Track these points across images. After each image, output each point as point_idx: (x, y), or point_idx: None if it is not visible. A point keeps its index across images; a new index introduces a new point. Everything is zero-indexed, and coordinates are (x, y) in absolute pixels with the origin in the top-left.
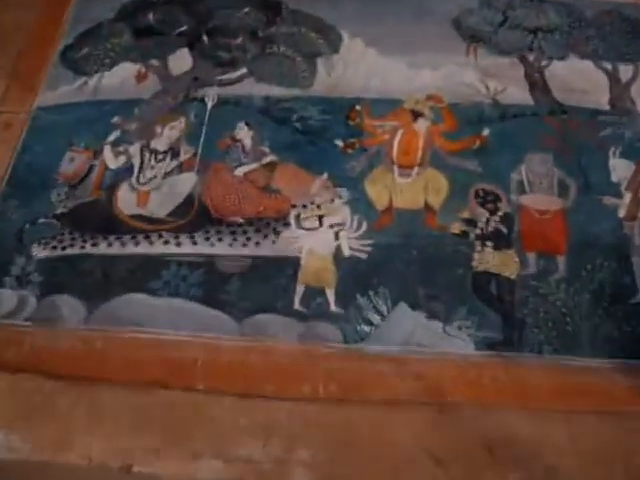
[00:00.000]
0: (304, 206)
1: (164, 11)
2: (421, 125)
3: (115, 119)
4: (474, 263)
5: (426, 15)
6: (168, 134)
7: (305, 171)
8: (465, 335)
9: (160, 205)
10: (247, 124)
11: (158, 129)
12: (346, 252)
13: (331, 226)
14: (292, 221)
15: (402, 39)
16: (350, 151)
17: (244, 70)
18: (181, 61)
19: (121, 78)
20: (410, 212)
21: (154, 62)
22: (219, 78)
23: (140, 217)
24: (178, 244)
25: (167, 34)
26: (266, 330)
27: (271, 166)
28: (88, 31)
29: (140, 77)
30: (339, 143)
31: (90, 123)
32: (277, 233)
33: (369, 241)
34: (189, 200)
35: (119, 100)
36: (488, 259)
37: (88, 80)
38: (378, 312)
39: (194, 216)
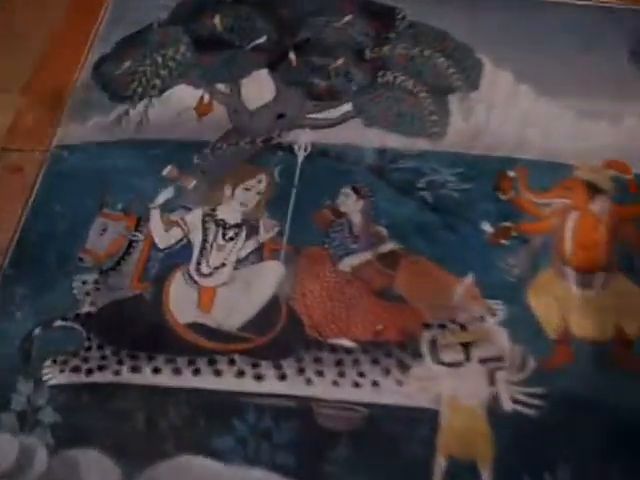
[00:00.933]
0: (442, 326)
1: (235, 14)
2: (602, 206)
3: (167, 170)
4: None
5: (596, 41)
6: (242, 198)
7: (441, 269)
8: None
9: (231, 311)
10: (355, 190)
11: (227, 190)
12: (506, 405)
13: (483, 361)
14: (425, 349)
15: (567, 74)
16: (504, 241)
17: (348, 107)
18: (259, 88)
19: (176, 108)
20: (597, 344)
21: (222, 87)
22: (313, 116)
23: (202, 328)
24: (258, 377)
25: (239, 47)
26: None
27: (391, 258)
28: (132, 37)
29: (203, 108)
30: (487, 228)
31: (131, 174)
32: (404, 368)
33: (539, 389)
34: (273, 305)
35: (173, 141)
36: None
37: (130, 109)
38: None
39: (281, 332)
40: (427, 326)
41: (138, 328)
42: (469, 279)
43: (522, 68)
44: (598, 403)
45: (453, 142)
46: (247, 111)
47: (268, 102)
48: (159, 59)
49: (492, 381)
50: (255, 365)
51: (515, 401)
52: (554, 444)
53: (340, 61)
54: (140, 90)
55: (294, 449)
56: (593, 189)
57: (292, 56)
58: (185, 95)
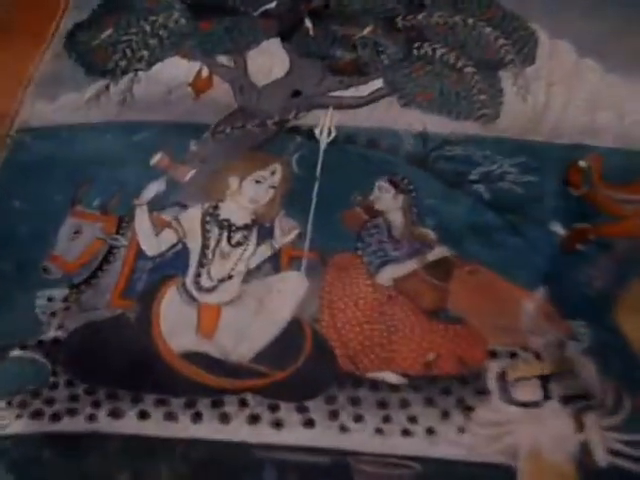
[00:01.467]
0: (512, 354)
1: None
2: None
3: (157, 158)
4: None
5: None
6: (252, 193)
7: (505, 280)
8: None
9: (240, 337)
10: (393, 183)
11: (233, 183)
12: (601, 457)
13: (566, 400)
14: (492, 385)
15: (635, 45)
16: (580, 246)
17: (379, 83)
18: (269, 60)
19: (168, 84)
20: None
21: (223, 60)
22: (337, 94)
23: (202, 359)
24: (277, 423)
25: (245, 13)
26: None
27: (443, 267)
28: (113, 1)
29: (201, 84)
30: (559, 230)
31: (112, 163)
32: (466, 410)
33: None
34: (295, 330)
35: (164, 123)
36: None
37: (111, 85)
38: None
39: (306, 364)
40: (493, 354)
41: (119, 359)
42: (540, 293)
43: (584, 39)
44: None
45: (509, 126)
46: (255, 88)
47: (280, 78)
48: (147, 27)
49: (580, 426)
50: (273, 407)
51: (611, 452)
52: None
53: (367, 30)
54: (123, 63)
55: None
56: None
57: (308, 24)
58: (179, 69)
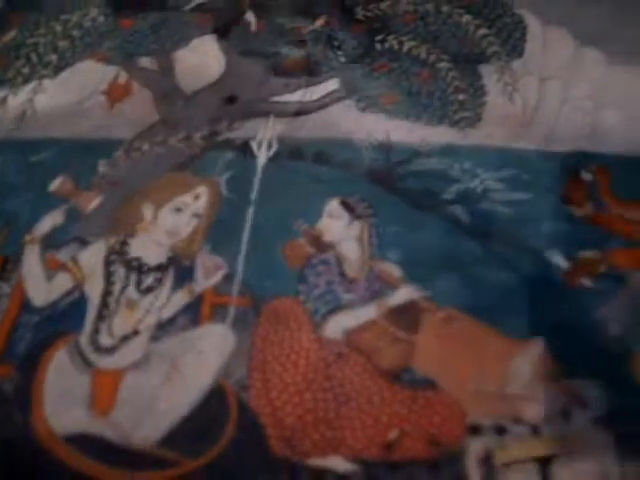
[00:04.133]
0: (500, 429)
1: None
2: None
3: (57, 182)
4: None
5: None
6: (170, 224)
7: (490, 330)
8: None
9: (145, 413)
10: (347, 207)
11: (147, 211)
12: None
13: None
14: (473, 470)
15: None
16: (586, 282)
17: (334, 84)
18: (201, 62)
19: (78, 94)
20: None
21: (146, 62)
22: (281, 100)
23: (95, 444)
24: None
25: (175, 7)
26: None
27: (409, 315)
28: None
29: (117, 92)
30: (560, 262)
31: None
32: None
33: None
34: (215, 402)
35: (69, 140)
36: None
37: (9, 96)
38: None
39: (228, 449)
40: (475, 429)
41: None
42: (536, 345)
43: (583, 26)
44: None
45: (494, 132)
46: (182, 94)
47: (214, 81)
48: (58, 27)
49: None
50: None
51: None
52: None
53: (319, 22)
54: (26, 70)
55: None
56: None
57: (251, 17)
58: (92, 75)
